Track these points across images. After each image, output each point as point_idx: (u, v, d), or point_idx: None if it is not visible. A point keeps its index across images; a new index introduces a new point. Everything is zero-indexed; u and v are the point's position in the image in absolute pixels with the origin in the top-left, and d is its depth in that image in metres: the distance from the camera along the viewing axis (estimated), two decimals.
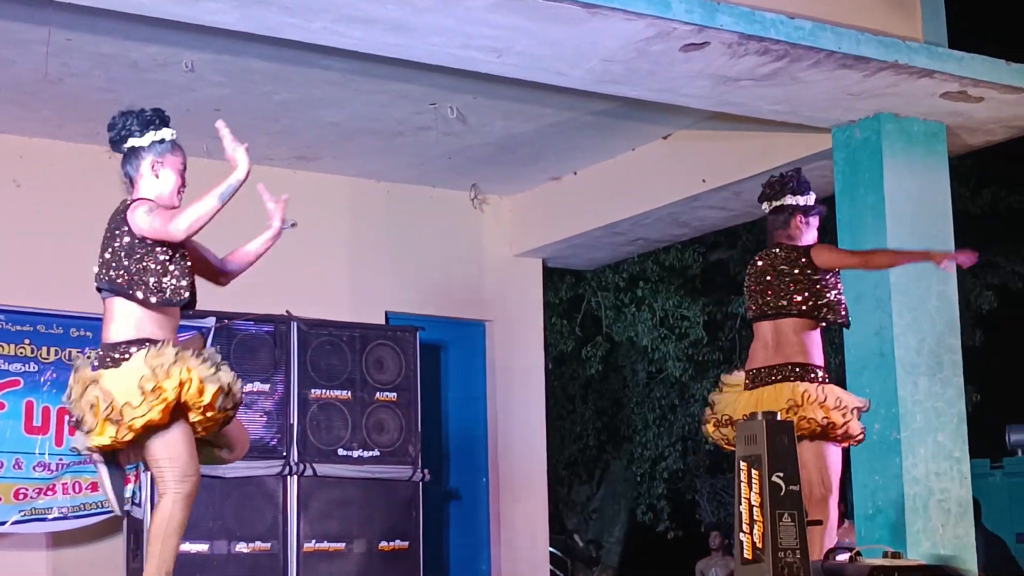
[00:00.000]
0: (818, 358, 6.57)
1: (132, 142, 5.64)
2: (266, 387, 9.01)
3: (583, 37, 7.17)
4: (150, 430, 5.30)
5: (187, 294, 5.50)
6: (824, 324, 6.69)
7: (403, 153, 10.07)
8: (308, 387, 9.13)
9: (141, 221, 5.38)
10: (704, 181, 9.78)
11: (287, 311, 9.23)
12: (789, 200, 6.79)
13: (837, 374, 13.65)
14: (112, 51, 8.04)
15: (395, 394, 9.45)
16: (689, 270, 14.93)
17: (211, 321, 8.88)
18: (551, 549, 11.68)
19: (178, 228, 5.31)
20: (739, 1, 7.29)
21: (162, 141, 5.68)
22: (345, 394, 9.29)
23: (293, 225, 10.12)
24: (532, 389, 11.21)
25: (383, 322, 10.34)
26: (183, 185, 5.71)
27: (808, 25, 7.42)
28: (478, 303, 11.12)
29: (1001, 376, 16.62)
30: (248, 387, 8.92)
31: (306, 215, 10.29)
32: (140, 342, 5.36)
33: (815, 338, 6.64)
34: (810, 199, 6.85)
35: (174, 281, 5.42)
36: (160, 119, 5.70)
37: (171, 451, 5.36)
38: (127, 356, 5.34)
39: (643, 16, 6.96)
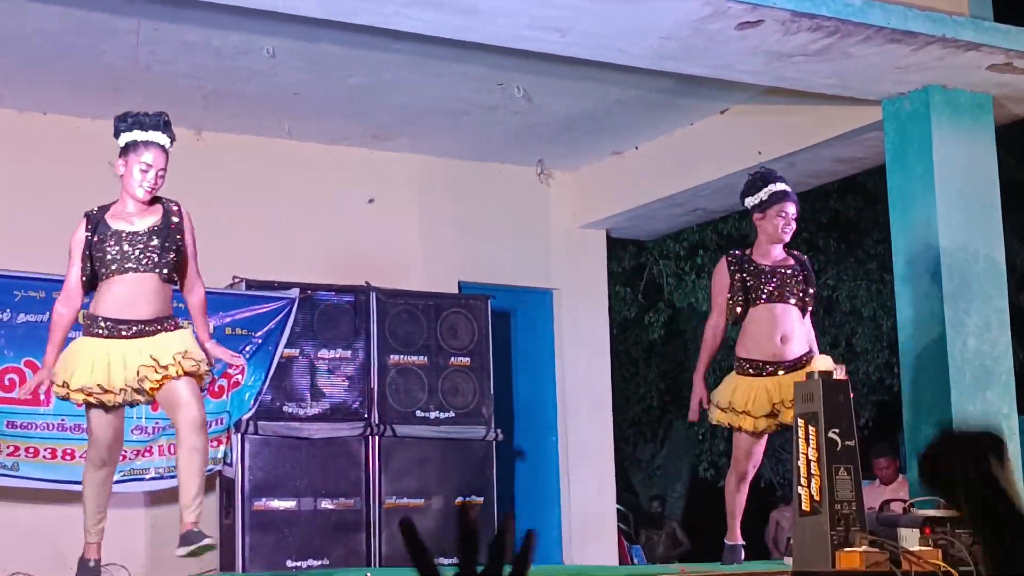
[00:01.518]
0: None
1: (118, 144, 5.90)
2: (348, 353, 9.04)
3: (642, 16, 7.10)
4: None
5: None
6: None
7: (471, 132, 10.04)
8: (387, 353, 9.15)
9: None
10: (760, 153, 9.66)
11: (366, 282, 9.25)
12: (745, 203, 6.91)
13: (890, 335, 13.54)
14: (196, 39, 8.06)
15: (468, 359, 9.46)
16: (747, 238, 14.78)
17: (295, 292, 8.92)
18: (617, 506, 11.65)
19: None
20: None
21: (127, 144, 5.85)
22: (421, 359, 9.30)
23: (370, 201, 10.24)
24: (597, 353, 11.17)
25: (456, 291, 10.33)
26: (148, 183, 5.82)
27: (858, 2, 7.31)
28: (545, 272, 11.09)
29: None
30: (331, 353, 9.00)
31: (382, 192, 10.39)
32: None
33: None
34: (758, 196, 6.86)
35: None
36: (136, 121, 5.87)
37: None
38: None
39: None
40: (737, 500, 6.90)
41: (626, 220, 11.33)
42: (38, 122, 9.26)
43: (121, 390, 5.71)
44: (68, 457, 8.39)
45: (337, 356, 9.02)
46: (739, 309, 6.80)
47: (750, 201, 6.92)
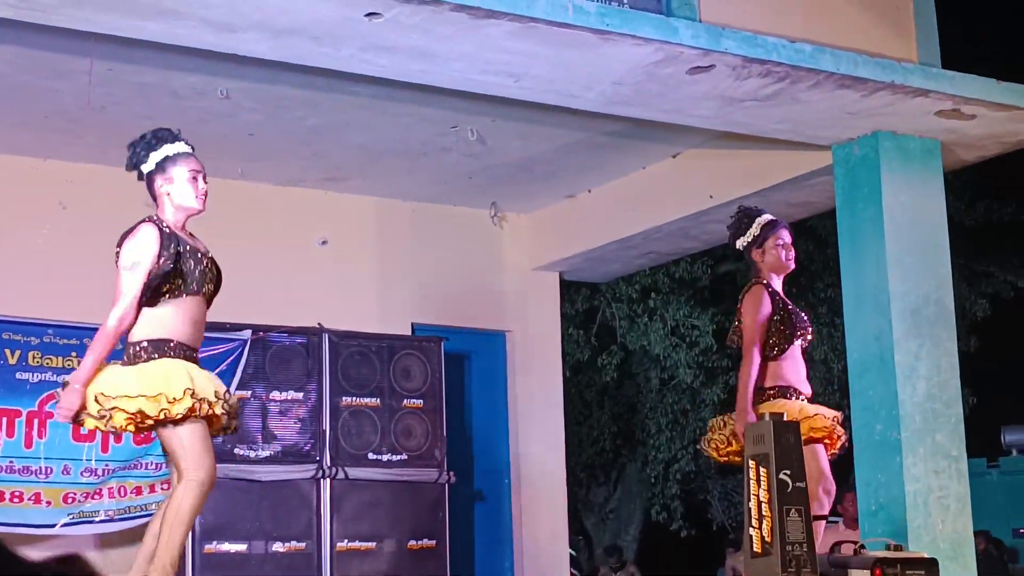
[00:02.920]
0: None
1: (143, 169, 5.58)
2: (300, 395, 9.03)
3: (595, 61, 7.18)
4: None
5: None
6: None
7: (426, 173, 10.09)
8: (339, 395, 9.15)
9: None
10: (712, 197, 9.77)
11: (319, 324, 9.25)
12: (738, 244, 6.88)
13: (840, 378, 13.65)
14: (152, 80, 8.08)
15: (421, 401, 9.46)
16: (699, 282, 14.91)
17: (247, 334, 8.91)
18: (571, 551, 11.67)
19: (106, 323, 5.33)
20: (743, 26, 7.30)
21: (165, 159, 5.56)
22: (374, 401, 9.30)
23: (324, 243, 10.25)
24: (550, 395, 11.21)
25: (409, 333, 10.35)
26: (201, 191, 5.61)
27: (808, 48, 7.42)
28: (499, 314, 11.12)
29: (996, 380, 16.58)
30: (283, 395, 8.99)
31: (336, 233, 10.41)
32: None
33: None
34: (750, 233, 6.85)
35: None
36: (158, 138, 5.61)
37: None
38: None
39: (651, 41, 6.97)
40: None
41: (579, 262, 11.40)
42: None
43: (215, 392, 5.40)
44: (16, 500, 8.34)
45: (289, 398, 9.01)
46: (775, 346, 6.63)
47: (743, 241, 6.85)
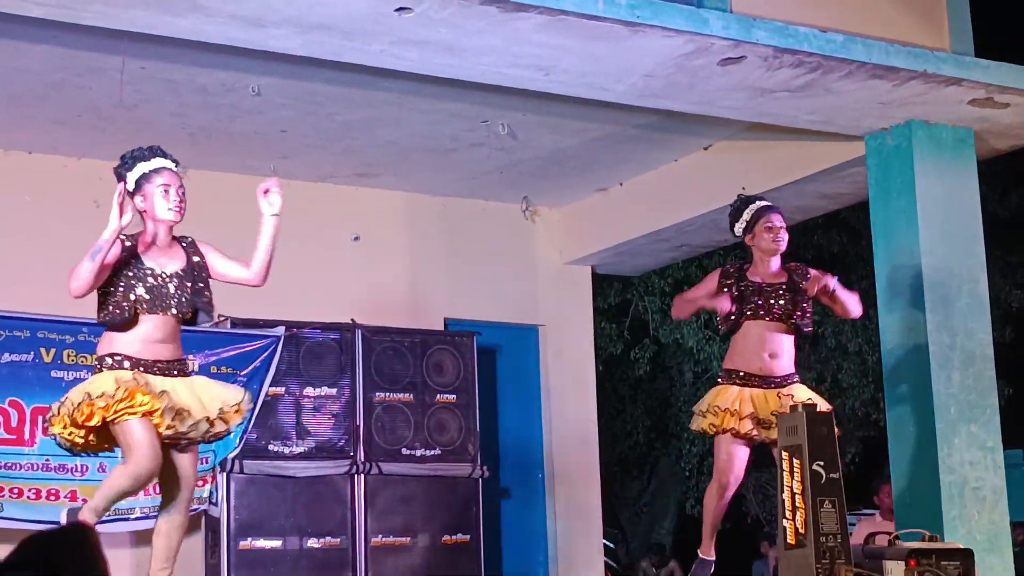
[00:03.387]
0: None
1: (128, 188, 5.68)
2: (333, 391, 9.05)
3: (625, 54, 7.16)
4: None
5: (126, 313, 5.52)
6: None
7: (457, 168, 10.10)
8: (373, 390, 9.17)
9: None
10: (744, 189, 9.68)
11: (352, 319, 9.27)
12: (735, 231, 6.93)
13: (875, 370, 13.59)
14: (182, 77, 8.11)
15: (454, 396, 9.47)
16: None
17: (280, 330, 8.94)
18: (606, 542, 11.66)
19: (70, 288, 5.42)
20: (773, 16, 7.27)
21: (140, 177, 5.69)
22: (407, 396, 9.31)
23: (356, 239, 10.27)
24: (584, 389, 11.20)
25: (442, 328, 10.36)
26: (173, 203, 5.68)
27: (840, 38, 7.39)
28: (531, 309, 11.12)
29: None
30: (317, 391, 9.00)
31: (368, 229, 10.43)
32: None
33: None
34: (743, 219, 6.90)
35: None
36: (135, 158, 5.74)
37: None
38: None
39: (682, 33, 6.95)
40: (716, 513, 6.86)
41: (611, 256, 11.38)
42: (23, 161, 9.29)
43: (163, 392, 5.46)
44: (52, 498, 8.38)
45: (323, 394, 9.03)
46: (728, 320, 6.78)
47: (738, 228, 6.92)
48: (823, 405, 5.19)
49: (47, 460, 8.36)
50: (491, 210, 10.96)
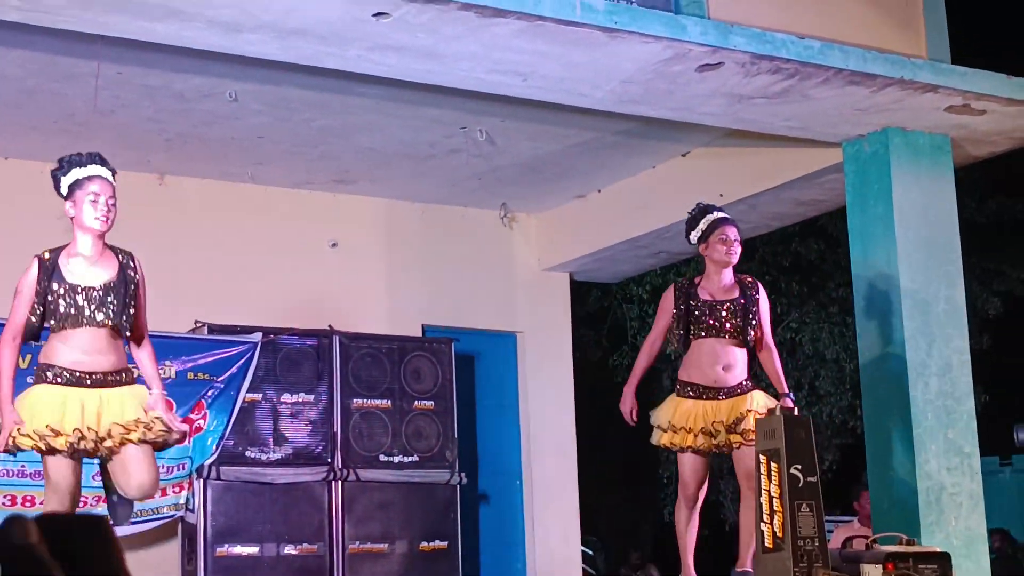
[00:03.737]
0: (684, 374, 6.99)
1: (61, 192, 5.76)
2: (311, 397, 9.03)
3: (603, 60, 7.17)
4: None
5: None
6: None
7: (435, 175, 10.09)
8: (350, 397, 9.15)
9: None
10: (721, 196, 9.72)
11: (329, 326, 9.26)
12: (690, 239, 7.01)
13: (852, 377, 13.62)
14: (159, 83, 8.08)
15: (432, 402, 9.46)
16: None
17: (258, 336, 8.91)
18: (584, 549, 11.65)
19: None
20: (751, 22, 7.29)
21: (72, 183, 5.73)
22: (385, 403, 9.30)
23: (334, 245, 10.27)
24: (562, 396, 11.20)
25: (419, 335, 10.35)
26: (100, 212, 5.69)
27: (817, 44, 7.41)
28: (509, 315, 11.12)
29: (1008, 378, 16.53)
30: (294, 398, 8.98)
31: (345, 235, 10.41)
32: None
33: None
34: (699, 228, 6.96)
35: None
36: (70, 163, 5.77)
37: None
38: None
39: (660, 39, 6.96)
40: (690, 534, 6.95)
41: (590, 263, 11.39)
42: None
43: (75, 431, 5.55)
44: (28, 504, 8.34)
45: (300, 400, 9.01)
46: (680, 339, 6.91)
47: (693, 236, 7.00)
48: (778, 410, 5.27)
49: (23, 466, 8.31)
50: (469, 216, 10.95)
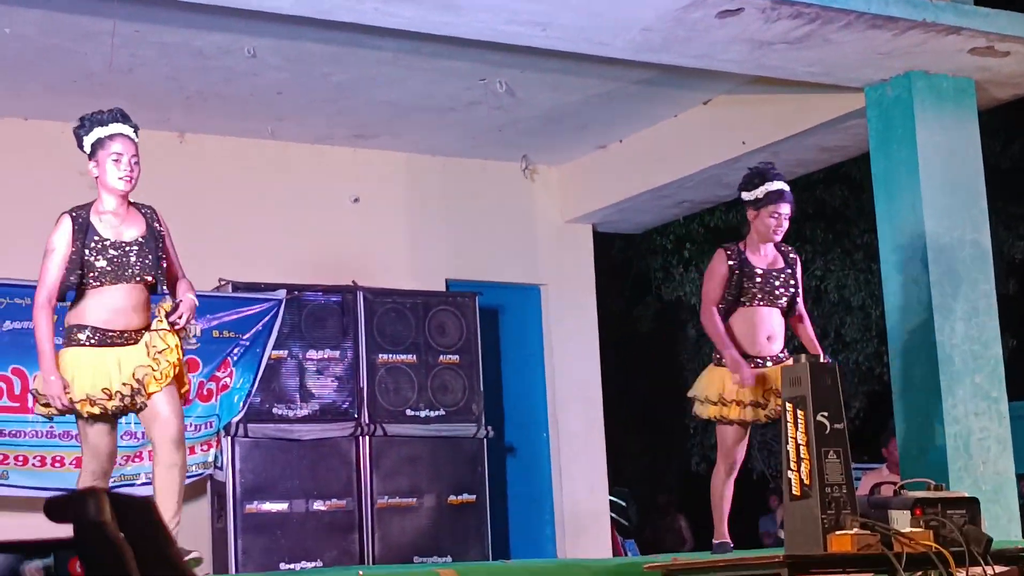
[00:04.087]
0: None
1: (85, 150, 5.72)
2: (336, 354, 9.04)
3: (623, 8, 7.12)
4: None
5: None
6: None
7: (456, 128, 10.05)
8: (375, 352, 9.16)
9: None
10: (744, 143, 9.70)
11: (353, 281, 9.25)
12: (742, 196, 6.88)
13: (879, 324, 13.56)
14: (176, 40, 8.05)
15: (457, 356, 9.47)
16: (734, 231, 14.82)
17: (282, 293, 8.92)
18: (612, 498, 11.67)
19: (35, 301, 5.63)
20: None
21: (95, 142, 5.67)
22: (410, 358, 9.30)
23: (355, 200, 10.24)
24: (586, 348, 11.19)
25: (443, 289, 10.35)
26: (124, 171, 5.63)
27: None
28: (532, 268, 11.10)
29: None
30: (319, 354, 9.00)
31: (367, 190, 10.39)
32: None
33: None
34: (755, 193, 6.79)
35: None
36: (92, 121, 5.71)
37: None
38: None
39: None
40: (726, 497, 6.91)
41: (612, 214, 11.35)
42: (18, 127, 9.26)
43: (118, 394, 5.54)
44: (58, 464, 8.39)
45: (325, 357, 9.03)
46: (728, 305, 6.76)
47: (746, 196, 6.86)
48: (803, 358, 5.24)
49: (51, 427, 8.35)
50: (490, 169, 10.92)
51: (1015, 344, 14.64)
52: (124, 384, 5.54)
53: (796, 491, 4.49)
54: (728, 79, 9.06)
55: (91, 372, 5.54)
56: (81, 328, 5.59)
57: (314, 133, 9.98)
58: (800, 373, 4.54)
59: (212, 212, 9.53)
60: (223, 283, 8.98)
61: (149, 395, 5.58)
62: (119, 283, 5.61)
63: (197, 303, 5.81)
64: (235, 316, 8.83)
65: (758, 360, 6.70)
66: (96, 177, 5.68)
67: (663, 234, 14.50)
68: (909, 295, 8.14)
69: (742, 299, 6.73)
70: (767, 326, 6.77)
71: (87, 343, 5.57)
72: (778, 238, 6.85)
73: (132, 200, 5.80)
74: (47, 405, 5.59)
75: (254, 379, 8.77)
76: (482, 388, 9.51)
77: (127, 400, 5.55)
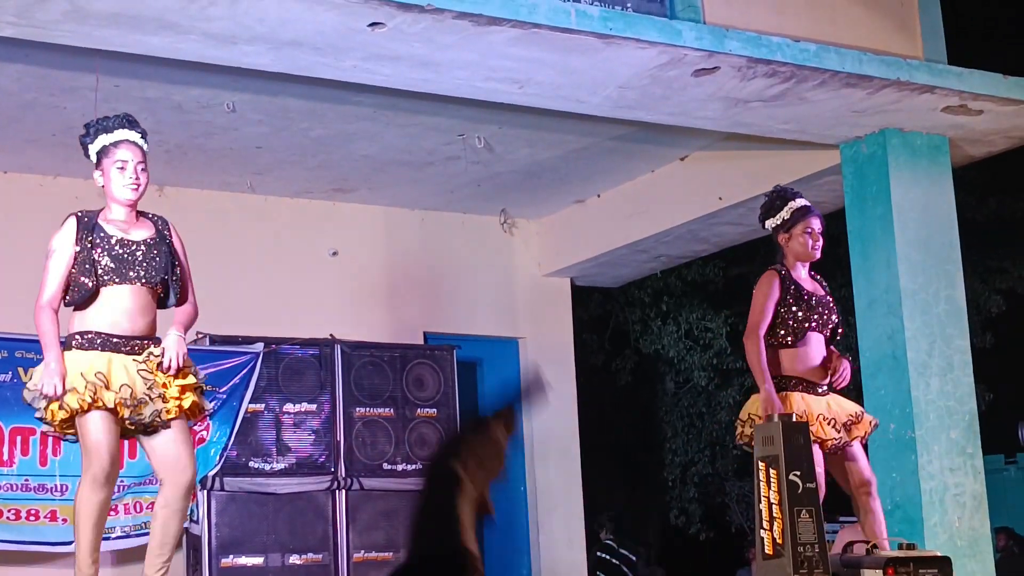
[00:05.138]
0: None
1: (91, 159, 5.56)
2: (313, 407, 9.03)
3: (599, 66, 7.17)
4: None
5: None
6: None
7: (434, 182, 10.09)
8: (353, 406, 9.15)
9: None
10: (720, 199, 9.76)
11: (331, 335, 9.26)
12: (767, 225, 6.71)
13: (854, 379, 13.60)
14: (157, 95, 8.09)
15: (435, 410, 9.46)
16: (711, 284, 14.88)
17: (259, 346, 8.91)
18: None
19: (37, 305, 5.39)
20: (746, 26, 7.29)
21: (101, 149, 5.50)
22: (388, 411, 9.30)
23: (334, 254, 10.26)
24: (564, 401, 11.19)
25: (421, 342, 10.35)
26: (129, 180, 5.45)
27: (812, 47, 7.41)
28: (511, 321, 11.12)
29: (1012, 376, 16.52)
30: (296, 407, 8.98)
31: (345, 244, 10.42)
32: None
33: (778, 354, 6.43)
34: (780, 216, 6.67)
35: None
36: (98, 128, 5.55)
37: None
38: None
39: (655, 44, 6.96)
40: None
41: (591, 267, 11.39)
42: None
43: (124, 387, 5.24)
44: (32, 518, 8.35)
45: (303, 410, 9.01)
46: (785, 333, 6.40)
47: (771, 222, 6.61)
48: (775, 417, 4.99)
49: (26, 480, 8.33)
50: (469, 223, 10.95)
51: (992, 398, 14.69)
52: (125, 386, 5.27)
53: (768, 550, 4.51)
54: (704, 135, 9.13)
55: (90, 367, 5.27)
56: (82, 333, 5.34)
57: (293, 187, 10.01)
58: (772, 432, 4.57)
59: (190, 264, 9.51)
60: (201, 336, 8.96)
61: (164, 420, 5.35)
62: (124, 283, 5.37)
63: (180, 348, 5.44)
64: (212, 369, 8.79)
65: (820, 387, 6.37)
66: (102, 187, 5.49)
67: (641, 287, 14.54)
68: (884, 350, 8.18)
69: (799, 327, 6.41)
70: (820, 351, 6.46)
71: (88, 347, 5.32)
72: (818, 254, 6.56)
73: (141, 210, 5.61)
74: (47, 406, 5.30)
75: (231, 432, 8.75)
76: None
77: (130, 403, 5.26)
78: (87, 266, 5.36)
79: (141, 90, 8.00)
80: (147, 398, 5.33)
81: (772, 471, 4.52)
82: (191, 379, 5.49)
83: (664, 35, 6.96)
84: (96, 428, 5.29)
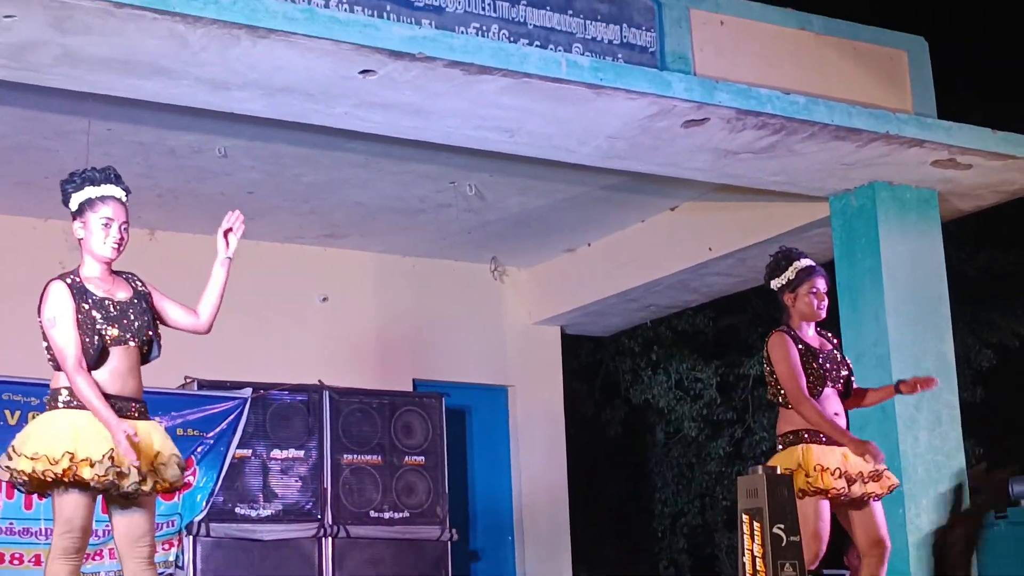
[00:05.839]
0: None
1: (71, 209, 5.42)
2: (300, 453, 9.00)
3: (589, 116, 7.21)
4: None
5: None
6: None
7: (425, 229, 10.11)
8: (340, 452, 9.11)
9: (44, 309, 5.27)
10: (711, 249, 9.79)
11: (319, 381, 9.24)
12: (772, 285, 6.70)
13: None
14: (150, 139, 8.12)
15: (423, 458, 9.42)
16: (701, 334, 14.86)
17: (247, 392, 8.88)
18: None
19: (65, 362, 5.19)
20: (736, 78, 7.34)
21: (84, 202, 5.37)
22: (376, 459, 9.26)
23: (324, 299, 10.27)
24: (554, 450, 11.18)
25: (410, 389, 10.34)
26: (112, 239, 5.33)
27: (802, 100, 7.46)
28: (500, 369, 11.12)
29: (1003, 430, 16.48)
30: (284, 453, 8.95)
31: (336, 289, 10.42)
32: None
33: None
34: (785, 276, 6.66)
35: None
36: (83, 179, 5.43)
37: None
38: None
39: (645, 95, 7.00)
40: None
41: (581, 316, 11.40)
42: None
43: (105, 457, 5.07)
44: (16, 562, 8.30)
45: (290, 456, 8.98)
46: (812, 387, 6.26)
47: (776, 283, 6.60)
48: (760, 469, 4.93)
49: (11, 524, 8.28)
50: (459, 270, 10.97)
51: (981, 452, 14.65)
52: (108, 457, 5.08)
53: None
54: (694, 186, 9.16)
55: (72, 431, 5.12)
56: (70, 390, 5.19)
57: (284, 232, 10.02)
58: (757, 484, 4.56)
59: None
60: (188, 380, 8.95)
61: (145, 492, 5.21)
62: (118, 345, 5.26)
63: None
64: (200, 414, 8.79)
65: (832, 441, 6.13)
66: (80, 240, 5.38)
67: (631, 337, 14.52)
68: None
69: (811, 384, 6.28)
70: (835, 404, 6.49)
71: (73, 405, 5.19)
72: (823, 314, 6.56)
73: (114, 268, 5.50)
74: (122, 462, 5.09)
75: (217, 478, 8.71)
76: (447, 490, 9.46)
77: (112, 474, 5.08)
78: (88, 327, 5.25)
79: (134, 134, 8.03)
80: (132, 470, 5.16)
81: (756, 523, 4.51)
82: (168, 451, 5.34)
83: (654, 86, 7.01)
84: (72, 503, 5.17)
